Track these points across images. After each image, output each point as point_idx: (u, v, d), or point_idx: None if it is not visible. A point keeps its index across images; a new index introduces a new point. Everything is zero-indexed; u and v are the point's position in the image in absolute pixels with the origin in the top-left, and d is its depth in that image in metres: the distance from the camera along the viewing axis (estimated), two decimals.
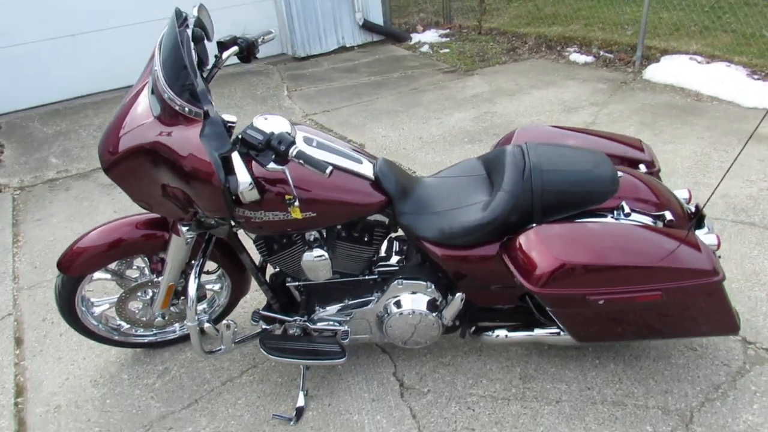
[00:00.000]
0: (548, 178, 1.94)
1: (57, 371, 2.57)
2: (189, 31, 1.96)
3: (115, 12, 6.24)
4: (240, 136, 1.77)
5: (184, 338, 2.58)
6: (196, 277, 2.02)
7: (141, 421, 2.27)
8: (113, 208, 3.98)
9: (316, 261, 2.09)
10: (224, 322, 2.09)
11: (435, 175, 2.26)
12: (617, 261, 1.79)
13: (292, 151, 1.73)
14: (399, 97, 5.66)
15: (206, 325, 2.08)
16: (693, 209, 2.15)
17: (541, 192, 1.94)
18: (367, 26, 7.40)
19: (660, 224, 1.98)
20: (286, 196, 1.82)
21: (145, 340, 2.55)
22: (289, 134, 1.81)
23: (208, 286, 2.53)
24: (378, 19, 7.46)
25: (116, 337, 2.50)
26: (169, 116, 1.76)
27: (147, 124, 1.81)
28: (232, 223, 2.06)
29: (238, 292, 2.48)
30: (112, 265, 2.34)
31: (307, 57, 7.15)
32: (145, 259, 2.32)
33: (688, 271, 1.79)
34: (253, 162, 1.74)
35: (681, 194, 2.23)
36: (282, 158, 1.75)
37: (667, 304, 1.86)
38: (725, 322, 1.95)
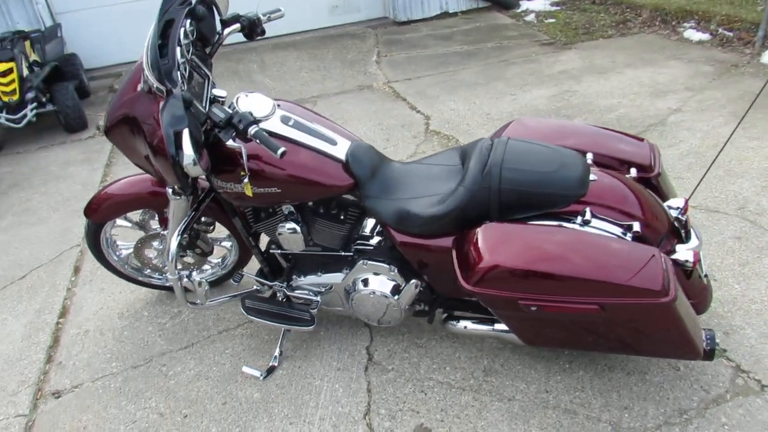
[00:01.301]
0: (508, 176, 1.90)
1: (96, 300, 2.96)
2: (183, 9, 2.10)
3: None
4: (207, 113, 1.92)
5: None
6: (179, 234, 2.23)
7: (144, 355, 2.58)
8: None
9: (288, 233, 2.23)
10: (196, 278, 2.30)
11: (414, 161, 2.27)
12: (554, 269, 1.74)
13: (251, 131, 1.85)
14: (485, 69, 5.54)
15: (185, 279, 2.31)
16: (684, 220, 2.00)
17: (498, 190, 1.91)
18: None
19: (628, 235, 1.87)
20: (241, 172, 1.95)
21: (166, 284, 2.84)
22: (252, 114, 1.93)
23: (225, 244, 2.76)
24: None
25: (140, 278, 2.82)
26: (148, 91, 1.95)
27: (133, 96, 2.01)
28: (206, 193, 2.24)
29: (243, 252, 2.69)
30: (136, 216, 2.64)
31: (407, 21, 7.14)
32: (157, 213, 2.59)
33: (632, 289, 1.70)
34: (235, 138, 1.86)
35: (676, 203, 2.08)
36: (241, 136, 1.88)
37: (610, 320, 1.79)
38: (682, 345, 1.83)
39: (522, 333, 1.99)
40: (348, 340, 2.51)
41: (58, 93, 5.01)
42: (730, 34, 5.54)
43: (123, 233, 2.74)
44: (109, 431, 2.23)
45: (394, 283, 2.20)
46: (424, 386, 2.26)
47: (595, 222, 1.89)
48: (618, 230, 1.89)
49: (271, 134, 2.06)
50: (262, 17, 2.36)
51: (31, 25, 6.03)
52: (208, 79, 2.20)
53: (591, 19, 6.61)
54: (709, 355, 1.94)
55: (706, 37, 5.62)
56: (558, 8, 7.14)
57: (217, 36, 2.33)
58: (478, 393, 2.20)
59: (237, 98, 2.13)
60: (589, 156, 2.13)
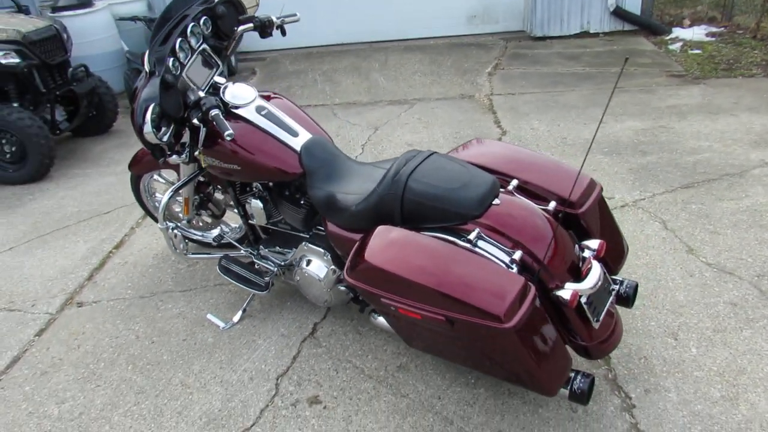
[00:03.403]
0: (412, 186, 2.05)
1: (145, 240, 3.57)
2: (200, 8, 2.51)
3: None
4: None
5: (222, 246, 3.22)
6: (172, 191, 2.68)
7: (152, 289, 3.11)
8: None
9: (252, 206, 2.58)
10: (174, 231, 2.73)
11: (367, 162, 2.48)
12: (410, 275, 1.86)
13: (211, 113, 2.23)
14: (593, 93, 5.38)
15: (169, 231, 2.75)
16: (591, 263, 1.99)
17: (402, 198, 2.07)
18: (619, 13, 6.92)
19: (513, 259, 1.93)
20: (199, 145, 2.34)
21: (193, 237, 3.34)
22: (217, 101, 2.30)
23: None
24: (635, 6, 6.90)
25: (183, 222, 3.34)
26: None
27: (143, 74, 2.48)
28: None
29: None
30: (172, 175, 3.16)
31: (543, 37, 7.08)
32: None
33: (473, 308, 1.77)
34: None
35: (593, 244, 2.06)
36: (204, 116, 2.27)
37: (460, 335, 1.87)
38: (528, 378, 1.85)
39: (400, 332, 2.13)
40: (304, 313, 2.79)
41: None
42: None
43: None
44: (97, 340, 2.76)
45: (325, 267, 2.44)
46: (339, 366, 2.47)
47: (482, 243, 1.97)
48: (503, 255, 1.95)
49: (241, 118, 2.42)
50: (275, 20, 2.70)
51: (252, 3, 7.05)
52: (217, 68, 2.60)
53: (740, 54, 6.03)
54: (578, 397, 1.92)
55: None
56: (711, 39, 6.58)
57: (233, 33, 2.69)
58: (380, 384, 2.36)
59: (225, 86, 2.51)
60: (514, 182, 2.18)
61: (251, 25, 2.67)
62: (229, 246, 2.99)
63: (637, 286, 2.22)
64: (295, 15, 2.77)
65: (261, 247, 2.75)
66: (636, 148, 4.23)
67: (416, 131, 4.89)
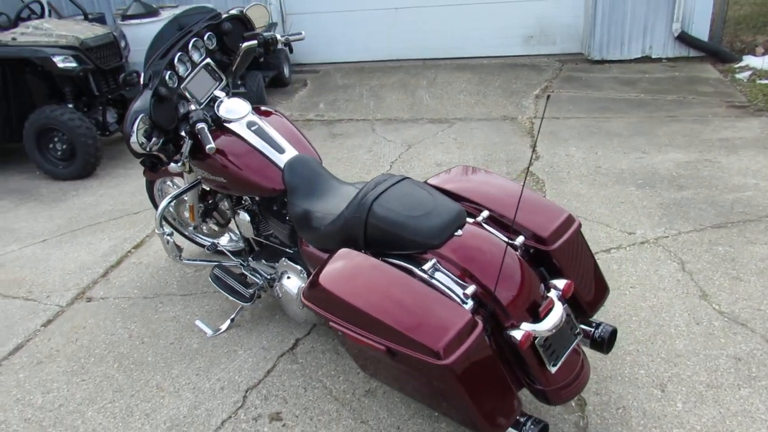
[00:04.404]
0: (375, 210, 2.03)
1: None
2: (205, 24, 2.60)
3: None
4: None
5: (229, 253, 3.31)
6: (171, 199, 2.78)
7: (156, 291, 3.22)
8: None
9: (239, 218, 2.63)
10: (168, 237, 2.81)
11: (348, 183, 2.47)
12: (355, 302, 1.84)
13: (197, 126, 2.31)
14: (641, 121, 5.16)
15: (165, 237, 2.84)
16: (553, 303, 1.90)
17: (365, 222, 2.05)
18: (685, 39, 6.60)
19: (465, 293, 1.87)
20: (184, 156, 2.42)
21: (200, 242, 3.43)
22: (204, 114, 2.37)
23: None
24: (702, 32, 6.57)
25: (186, 233, 3.47)
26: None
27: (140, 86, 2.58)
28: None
29: None
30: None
31: (601, 61, 6.86)
32: None
33: (410, 340, 1.72)
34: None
35: (559, 284, 1.96)
36: (191, 128, 2.35)
37: (402, 367, 1.82)
38: (468, 419, 1.77)
39: (353, 357, 2.10)
40: (290, 328, 2.81)
41: (249, 79, 6.06)
42: None
43: None
44: (94, 335, 2.89)
45: (301, 284, 2.45)
46: (309, 384, 2.47)
47: (438, 275, 1.92)
48: (458, 289, 1.89)
49: (231, 132, 2.48)
50: (280, 38, 2.76)
51: (263, 21, 7.28)
52: (220, 82, 2.68)
53: None
54: None
55: None
56: None
57: (238, 48, 2.76)
58: (344, 407, 2.34)
59: (221, 101, 2.58)
60: (485, 213, 2.11)
61: (255, 42, 2.73)
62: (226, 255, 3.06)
63: (614, 331, 2.10)
64: (300, 33, 2.82)
65: (250, 259, 2.79)
66: (673, 181, 4.01)
67: (449, 151, 4.84)
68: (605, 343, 2.08)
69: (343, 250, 2.02)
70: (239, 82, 6.10)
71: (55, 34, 4.63)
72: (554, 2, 6.96)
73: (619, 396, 2.28)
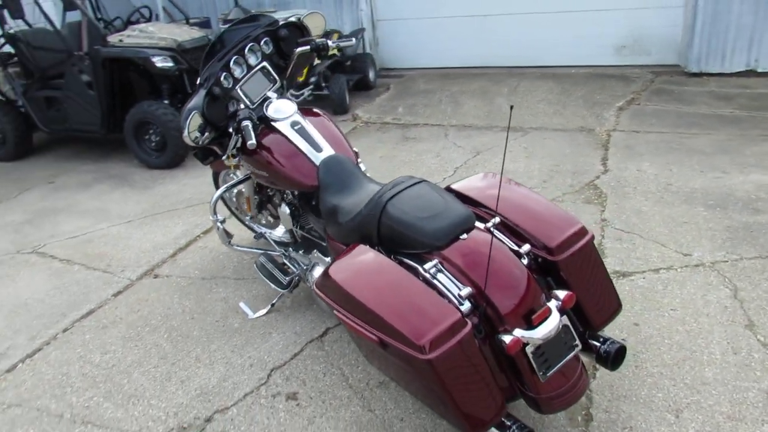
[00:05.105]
0: (388, 210, 2.14)
1: (229, 229, 4.00)
2: (262, 30, 2.83)
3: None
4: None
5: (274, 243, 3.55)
6: (225, 189, 3.02)
7: (214, 273, 3.50)
8: (405, 157, 5.16)
9: (280, 210, 2.83)
10: (220, 225, 3.04)
11: (382, 183, 2.57)
12: (353, 291, 1.94)
13: (243, 123, 2.53)
14: (731, 139, 4.86)
15: (217, 223, 3.08)
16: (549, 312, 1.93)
17: (378, 221, 2.17)
18: None
19: (460, 294, 1.94)
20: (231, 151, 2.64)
21: (256, 230, 3.67)
22: (251, 113, 2.58)
23: None
24: None
25: (245, 221, 3.73)
26: None
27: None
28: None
29: None
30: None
31: (699, 74, 6.50)
32: None
33: (397, 333, 1.81)
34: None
35: (561, 294, 1.98)
36: (237, 125, 2.58)
37: (393, 359, 1.91)
38: (449, 414, 1.83)
39: (357, 346, 2.21)
40: (322, 317, 2.97)
41: (332, 82, 6.34)
42: None
43: None
44: (153, 308, 3.20)
45: None
46: (329, 371, 2.61)
47: (440, 275, 2.00)
48: (456, 289, 1.96)
49: (276, 131, 2.68)
50: (331, 44, 2.93)
51: (354, 26, 7.57)
52: (275, 84, 2.89)
53: None
54: None
55: None
56: None
57: (292, 53, 2.96)
58: (356, 395, 2.46)
59: (270, 101, 2.78)
60: (495, 220, 2.15)
61: (308, 47, 2.92)
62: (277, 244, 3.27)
63: (621, 348, 2.07)
64: (351, 40, 2.97)
65: (291, 249, 2.98)
66: (749, 204, 3.78)
67: (515, 160, 4.82)
68: (610, 359, 2.05)
69: (359, 246, 2.14)
70: (323, 84, 6.39)
71: (156, 37, 5.10)
72: (650, 11, 6.67)
73: (628, 416, 2.23)
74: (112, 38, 5.10)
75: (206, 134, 2.65)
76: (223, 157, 2.82)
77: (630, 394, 2.33)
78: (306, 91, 6.28)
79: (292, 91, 6.26)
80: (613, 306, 2.14)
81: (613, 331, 2.67)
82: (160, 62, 5.05)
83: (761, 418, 2.17)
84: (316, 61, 6.58)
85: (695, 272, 3.09)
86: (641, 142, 4.93)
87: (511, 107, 1.91)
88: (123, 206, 4.57)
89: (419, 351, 1.76)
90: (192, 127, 2.57)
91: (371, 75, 7.14)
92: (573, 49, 7.09)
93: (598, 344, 2.09)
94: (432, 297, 1.88)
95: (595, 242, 3.40)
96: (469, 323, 1.82)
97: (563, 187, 4.22)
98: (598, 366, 2.39)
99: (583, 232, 2.10)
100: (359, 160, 2.85)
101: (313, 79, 6.29)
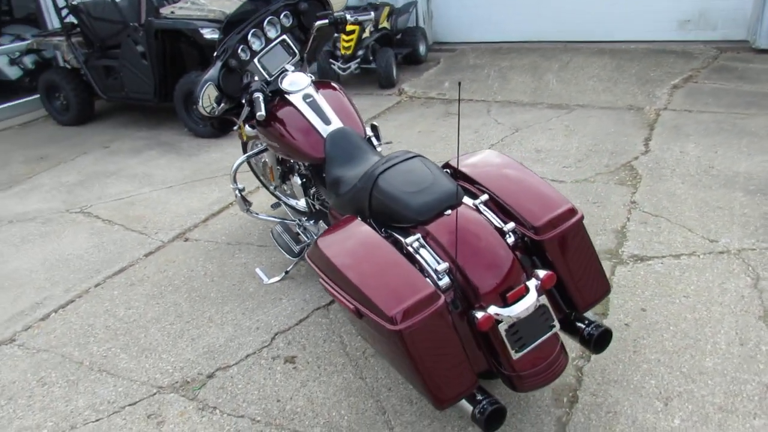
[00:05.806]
0: (379, 183, 2.18)
1: (260, 198, 4.12)
2: (281, 4, 2.89)
3: None
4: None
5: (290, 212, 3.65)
6: (246, 158, 3.13)
7: (239, 239, 3.65)
8: (443, 132, 5.17)
9: (292, 181, 2.92)
10: (238, 193, 3.15)
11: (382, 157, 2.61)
12: (335, 260, 2.01)
13: (254, 95, 2.62)
14: None
15: (237, 192, 3.19)
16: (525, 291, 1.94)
17: (370, 194, 2.22)
18: None
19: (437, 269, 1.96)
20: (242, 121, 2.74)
21: (282, 200, 3.78)
22: (262, 85, 2.66)
23: None
24: None
25: (270, 189, 3.83)
26: None
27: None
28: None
29: None
30: None
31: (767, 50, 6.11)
32: None
33: (372, 304, 1.86)
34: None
35: (541, 273, 1.97)
36: (249, 96, 2.67)
37: (365, 327, 1.97)
38: (419, 384, 1.88)
39: (344, 314, 2.28)
40: None
41: (380, 56, 6.34)
42: None
43: None
44: (178, 269, 3.39)
45: None
46: (329, 338, 2.70)
47: (422, 250, 2.03)
48: (435, 264, 1.99)
49: (289, 103, 2.75)
50: (349, 17, 2.96)
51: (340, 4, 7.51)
52: (294, 57, 2.96)
53: None
54: (480, 422, 1.88)
55: None
56: None
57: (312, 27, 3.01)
58: (351, 362, 2.54)
59: (286, 74, 2.85)
60: (484, 197, 2.15)
61: (326, 21, 2.96)
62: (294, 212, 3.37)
63: (606, 331, 2.05)
64: (369, 14, 2.99)
65: (304, 219, 3.07)
66: None
67: (554, 138, 4.72)
68: (593, 342, 2.03)
69: (350, 218, 2.19)
70: (371, 58, 6.41)
71: (206, 9, 5.26)
72: None
73: (615, 401, 2.21)
74: (165, 10, 5.30)
75: (222, 105, 2.74)
76: (235, 128, 2.92)
77: (621, 379, 2.30)
78: (353, 65, 6.40)
79: (339, 63, 6.32)
80: (600, 289, 2.11)
81: (617, 315, 2.63)
82: (208, 33, 5.20)
83: (754, 411, 2.10)
84: (365, 35, 6.63)
85: (718, 259, 2.97)
86: (691, 122, 4.71)
87: (459, 83, 1.87)
88: (167, 172, 4.80)
89: (390, 322, 1.80)
90: (206, 98, 2.67)
91: (422, 49, 7.09)
92: (633, 23, 6.78)
93: (582, 326, 2.07)
94: (409, 270, 1.91)
95: (619, 225, 3.37)
96: (443, 297, 1.84)
97: (598, 167, 4.11)
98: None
99: (571, 212, 2.07)
100: (375, 133, 2.89)
101: (360, 53, 6.31)
